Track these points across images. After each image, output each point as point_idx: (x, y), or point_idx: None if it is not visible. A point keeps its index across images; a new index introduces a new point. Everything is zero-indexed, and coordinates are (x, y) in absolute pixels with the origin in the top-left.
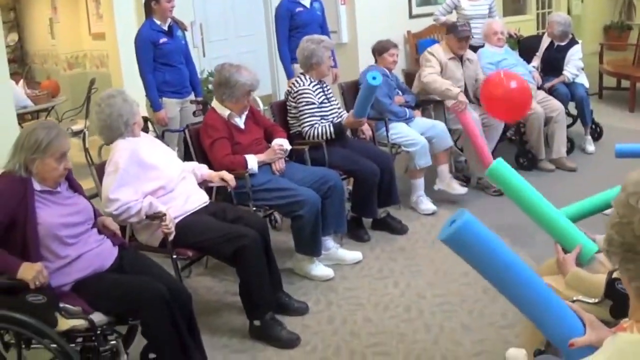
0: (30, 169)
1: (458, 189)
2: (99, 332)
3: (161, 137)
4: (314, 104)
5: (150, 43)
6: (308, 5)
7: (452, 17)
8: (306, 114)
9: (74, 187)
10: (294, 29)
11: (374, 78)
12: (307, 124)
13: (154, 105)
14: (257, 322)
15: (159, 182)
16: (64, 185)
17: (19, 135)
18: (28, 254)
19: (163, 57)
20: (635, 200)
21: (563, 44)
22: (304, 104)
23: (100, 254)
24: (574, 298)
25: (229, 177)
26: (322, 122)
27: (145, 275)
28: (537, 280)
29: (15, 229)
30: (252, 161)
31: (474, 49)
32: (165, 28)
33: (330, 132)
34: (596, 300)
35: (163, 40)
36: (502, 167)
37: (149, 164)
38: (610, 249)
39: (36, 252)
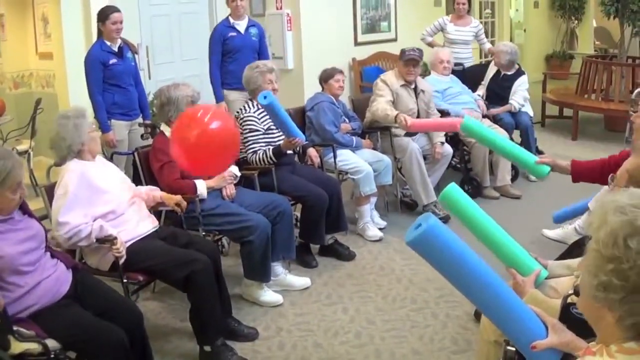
0: None
1: (372, 235)
2: (52, 356)
3: (110, 159)
4: (258, 131)
5: (100, 63)
6: (242, 31)
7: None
8: (249, 140)
9: (23, 209)
10: (226, 53)
11: (264, 97)
12: (250, 150)
13: (103, 127)
14: (207, 348)
15: (109, 206)
16: (18, 214)
17: None
18: None
19: (112, 78)
20: (637, 243)
21: (510, 73)
22: (247, 130)
23: (58, 279)
24: None
25: (184, 205)
26: (267, 148)
27: (101, 303)
28: (501, 284)
29: None
30: (202, 186)
31: (460, 73)
32: (116, 49)
33: (270, 156)
34: None
35: (113, 61)
36: (454, 191)
37: (99, 187)
38: (609, 295)
39: None
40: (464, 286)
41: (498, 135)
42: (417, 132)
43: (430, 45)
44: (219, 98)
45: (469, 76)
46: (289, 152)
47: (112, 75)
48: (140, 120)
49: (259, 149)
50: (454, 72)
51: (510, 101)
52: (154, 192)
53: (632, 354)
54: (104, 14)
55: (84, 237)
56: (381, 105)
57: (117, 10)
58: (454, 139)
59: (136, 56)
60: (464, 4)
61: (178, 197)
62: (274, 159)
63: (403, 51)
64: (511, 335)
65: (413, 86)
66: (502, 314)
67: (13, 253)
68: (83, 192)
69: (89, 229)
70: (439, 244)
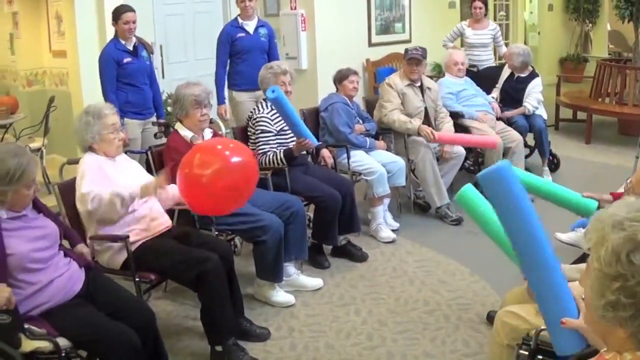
0: (1, 199)
1: (384, 236)
2: (63, 354)
3: None
4: (270, 132)
5: (114, 62)
6: (251, 32)
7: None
8: (261, 141)
9: (38, 208)
10: (235, 54)
11: (272, 91)
12: (261, 151)
13: None
14: (218, 348)
15: None
16: (29, 206)
17: None
18: None
19: (126, 77)
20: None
21: (523, 75)
22: (259, 131)
23: (71, 278)
24: (542, 327)
25: None
26: (277, 149)
27: (113, 303)
28: (549, 251)
29: None
30: None
31: (474, 74)
32: (130, 48)
33: (280, 158)
34: None
35: (127, 59)
36: (470, 192)
37: (113, 181)
38: (618, 313)
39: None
40: (517, 238)
41: (540, 178)
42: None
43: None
44: (220, 100)
45: (484, 78)
46: (302, 152)
47: (126, 74)
48: (154, 119)
49: (269, 150)
50: (468, 73)
51: (524, 103)
52: (173, 190)
53: None
54: (117, 14)
55: (106, 201)
56: (397, 117)
57: (130, 10)
58: None
59: (151, 55)
60: (480, 8)
61: None
62: (284, 161)
63: (406, 50)
64: (544, 303)
65: (419, 84)
66: (544, 280)
67: (24, 251)
68: (99, 179)
69: (107, 194)
70: (507, 185)
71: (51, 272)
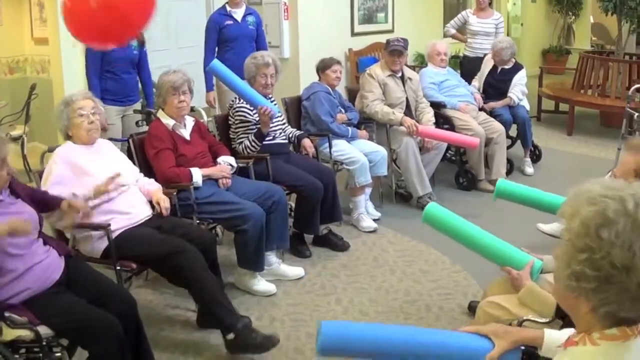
0: None
1: (366, 226)
2: (44, 343)
3: None
4: (249, 122)
5: (98, 50)
6: (239, 19)
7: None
8: (239, 130)
9: (17, 194)
10: (223, 42)
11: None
12: (238, 140)
13: None
14: (230, 336)
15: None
16: (5, 192)
17: None
18: None
19: (108, 64)
20: (609, 233)
21: (507, 67)
22: (239, 121)
23: (50, 265)
24: (524, 317)
25: (164, 206)
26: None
27: (94, 290)
28: (424, 332)
29: None
30: (197, 175)
31: (475, 60)
32: None
33: (253, 140)
34: (547, 320)
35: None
36: (434, 210)
37: (85, 170)
38: (581, 284)
39: None
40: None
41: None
42: (425, 138)
43: (454, 37)
44: (209, 87)
45: (465, 69)
46: (283, 140)
47: (107, 61)
48: (137, 106)
49: (245, 140)
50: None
51: (509, 94)
52: (149, 187)
53: (615, 340)
54: None
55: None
56: (379, 107)
57: None
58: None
59: (143, 45)
60: None
61: (161, 197)
62: (257, 142)
63: (388, 42)
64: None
65: (400, 75)
66: (443, 353)
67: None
68: (67, 174)
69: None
70: (343, 342)
71: (29, 259)
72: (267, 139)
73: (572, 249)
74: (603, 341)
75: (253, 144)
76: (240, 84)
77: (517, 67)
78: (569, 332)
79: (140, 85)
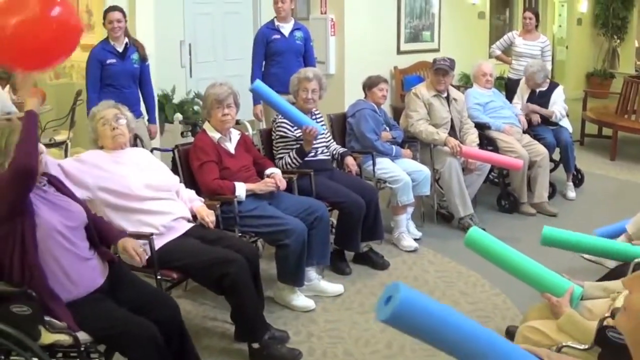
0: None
1: (407, 245)
2: (82, 349)
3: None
4: (288, 137)
5: (98, 62)
6: (287, 34)
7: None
8: (279, 145)
9: (61, 190)
10: (270, 56)
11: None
12: (279, 155)
13: None
14: (256, 345)
15: (116, 185)
16: (50, 188)
17: None
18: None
19: (108, 78)
20: None
21: (544, 89)
22: (279, 136)
23: (95, 268)
24: (563, 344)
25: (210, 220)
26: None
27: (136, 297)
28: (485, 332)
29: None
30: (241, 189)
31: (519, 83)
32: (120, 49)
33: (294, 157)
34: (586, 347)
35: (111, 61)
36: (477, 234)
37: (108, 171)
38: None
39: (34, 251)
40: (450, 347)
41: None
42: (468, 159)
43: (499, 59)
44: (256, 100)
45: (511, 89)
46: (326, 157)
47: (107, 75)
48: (139, 121)
49: (285, 155)
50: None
51: (551, 108)
52: (192, 203)
53: None
54: (104, 14)
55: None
56: (424, 127)
57: (115, 10)
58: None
59: (145, 59)
60: (530, 18)
61: (206, 213)
62: (298, 159)
63: (434, 61)
64: None
65: (445, 95)
66: None
67: (49, 218)
68: (86, 168)
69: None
70: (416, 315)
71: (78, 252)
72: (309, 155)
73: None
74: None
75: (294, 160)
76: (284, 104)
77: (553, 87)
78: None
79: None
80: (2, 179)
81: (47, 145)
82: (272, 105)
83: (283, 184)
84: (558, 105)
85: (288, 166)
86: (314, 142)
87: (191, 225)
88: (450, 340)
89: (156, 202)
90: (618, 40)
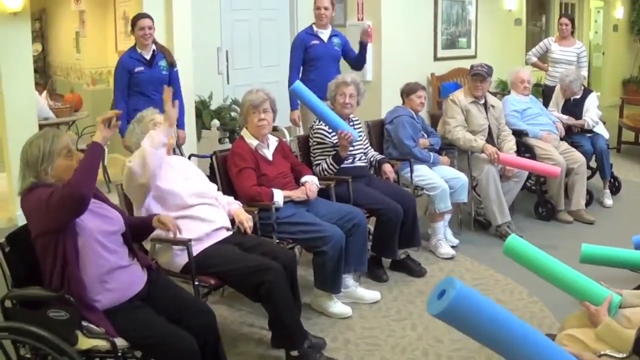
0: (46, 179)
1: (444, 252)
2: (119, 354)
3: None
4: (325, 144)
5: (126, 70)
6: (325, 40)
7: None
8: (316, 151)
9: (100, 198)
10: (307, 61)
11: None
12: (315, 162)
13: (121, 132)
14: (294, 353)
15: (171, 185)
16: None
17: (21, 154)
18: (67, 264)
19: (137, 85)
20: None
21: (579, 96)
22: (315, 143)
23: (134, 274)
24: (602, 352)
25: (248, 225)
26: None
27: (173, 304)
28: (534, 332)
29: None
30: (279, 196)
31: (551, 90)
32: (147, 57)
33: (331, 163)
34: (624, 355)
35: (139, 69)
36: (515, 242)
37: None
38: None
39: (75, 260)
40: (500, 345)
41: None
42: (506, 166)
43: (535, 65)
44: (294, 106)
45: (548, 95)
46: (363, 164)
47: (136, 82)
48: None
49: (322, 162)
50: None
51: (584, 117)
52: (230, 206)
53: None
54: (133, 21)
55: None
56: (461, 134)
57: (145, 17)
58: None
59: (174, 66)
60: (566, 24)
61: (244, 217)
62: (334, 165)
63: (472, 67)
64: None
65: (483, 102)
66: None
67: (91, 225)
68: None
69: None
70: (470, 309)
71: (118, 258)
72: (347, 161)
73: None
74: None
75: (331, 166)
76: (322, 107)
77: (587, 92)
78: None
79: None
80: (54, 197)
81: (83, 152)
82: (310, 107)
83: (313, 194)
84: (591, 112)
85: (325, 172)
86: (352, 148)
87: (230, 233)
88: (501, 338)
89: (200, 207)
90: None
